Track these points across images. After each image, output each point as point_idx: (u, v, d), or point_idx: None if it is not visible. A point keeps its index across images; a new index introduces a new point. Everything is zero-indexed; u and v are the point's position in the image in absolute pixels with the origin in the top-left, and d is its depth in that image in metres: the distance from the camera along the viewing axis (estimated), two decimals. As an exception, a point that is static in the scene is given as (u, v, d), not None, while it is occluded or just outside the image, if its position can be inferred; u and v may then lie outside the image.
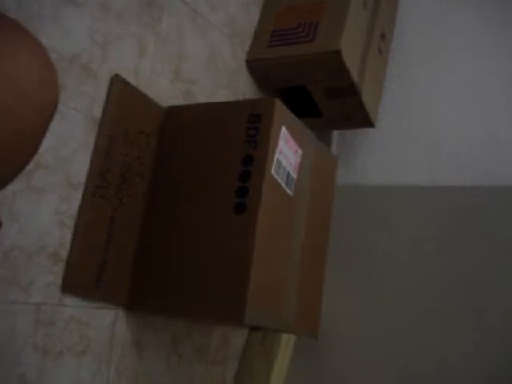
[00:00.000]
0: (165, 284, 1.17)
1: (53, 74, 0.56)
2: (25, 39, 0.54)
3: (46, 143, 1.05)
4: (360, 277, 1.68)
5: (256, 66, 1.61)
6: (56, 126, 1.07)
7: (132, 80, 1.23)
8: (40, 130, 0.56)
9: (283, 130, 1.16)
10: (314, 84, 1.61)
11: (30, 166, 1.02)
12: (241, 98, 1.59)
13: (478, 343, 1.48)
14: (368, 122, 1.71)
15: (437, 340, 1.53)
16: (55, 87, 0.57)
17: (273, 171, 1.13)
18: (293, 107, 1.22)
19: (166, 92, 1.32)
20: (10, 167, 0.56)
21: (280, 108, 1.16)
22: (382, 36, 1.72)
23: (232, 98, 1.55)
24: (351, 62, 1.51)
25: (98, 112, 1.16)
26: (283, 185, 1.17)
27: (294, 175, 1.21)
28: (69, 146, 1.10)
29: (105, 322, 1.18)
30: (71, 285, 1.10)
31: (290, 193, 1.20)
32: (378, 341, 1.60)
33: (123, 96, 1.20)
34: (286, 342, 1.61)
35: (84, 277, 1.13)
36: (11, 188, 0.99)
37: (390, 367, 1.56)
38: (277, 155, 1.14)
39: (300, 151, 1.24)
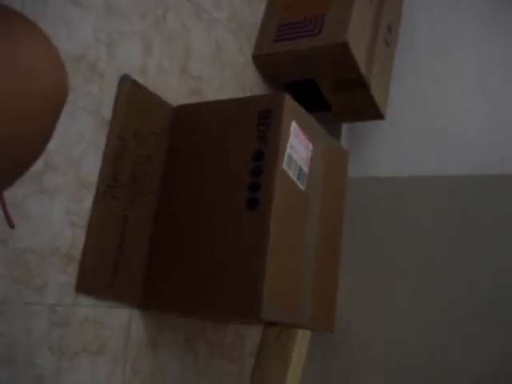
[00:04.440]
0: (178, 282, 1.16)
1: (62, 66, 0.57)
2: (37, 33, 0.54)
3: (56, 144, 1.05)
4: (374, 269, 1.67)
5: (263, 61, 1.60)
6: (65, 127, 1.06)
7: (140, 78, 1.23)
8: (51, 123, 0.56)
9: (293, 125, 1.16)
10: (322, 77, 1.61)
11: (41, 167, 1.02)
12: (248, 93, 1.58)
13: (497, 341, 1.47)
14: (377, 114, 1.70)
15: (453, 336, 1.52)
16: (65, 80, 0.57)
17: (284, 166, 1.12)
18: (301, 101, 1.21)
19: (173, 89, 1.32)
20: (20, 162, 0.56)
21: (290, 103, 1.15)
22: (389, 28, 1.71)
23: (240, 94, 1.54)
24: (359, 54, 1.51)
25: (106, 111, 1.16)
26: (295, 180, 1.17)
27: (306, 170, 1.21)
28: (78, 146, 1.10)
29: (119, 321, 1.18)
30: (85, 285, 1.10)
31: (303, 187, 1.20)
32: (394, 336, 1.59)
33: (132, 96, 1.20)
34: (302, 337, 1.61)
35: (98, 276, 1.13)
36: (22, 190, 0.99)
37: (406, 363, 1.55)
38: (288, 150, 1.14)
39: (311, 146, 1.23)
